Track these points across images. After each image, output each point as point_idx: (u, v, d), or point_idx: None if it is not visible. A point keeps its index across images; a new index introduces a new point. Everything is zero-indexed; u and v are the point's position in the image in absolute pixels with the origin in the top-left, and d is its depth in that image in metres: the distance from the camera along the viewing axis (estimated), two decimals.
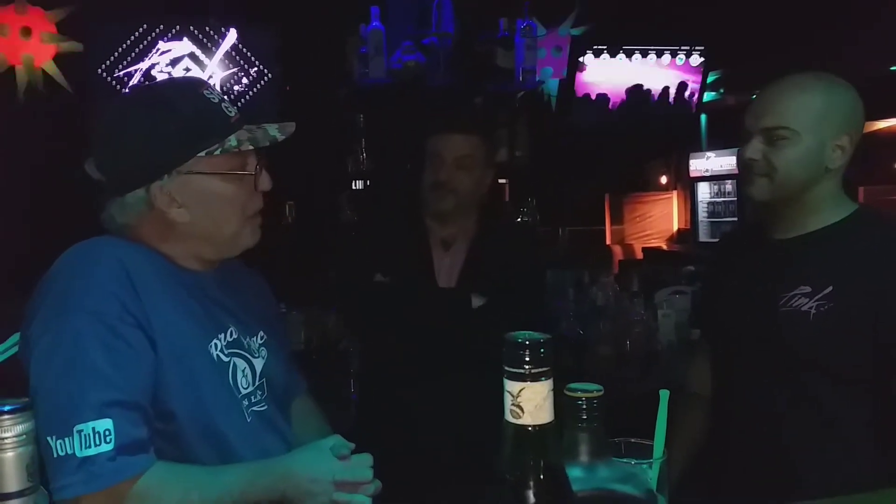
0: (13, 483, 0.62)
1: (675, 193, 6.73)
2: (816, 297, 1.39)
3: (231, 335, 1.28)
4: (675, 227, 6.79)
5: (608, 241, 6.53)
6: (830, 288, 1.38)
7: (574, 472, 0.77)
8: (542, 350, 0.63)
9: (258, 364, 1.32)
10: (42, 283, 1.17)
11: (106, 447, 1.04)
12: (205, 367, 1.22)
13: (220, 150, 1.20)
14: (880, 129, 6.88)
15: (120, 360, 1.10)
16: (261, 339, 1.35)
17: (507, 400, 0.63)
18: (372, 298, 1.97)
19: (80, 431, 1.04)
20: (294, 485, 1.14)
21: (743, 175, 1.51)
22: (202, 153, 1.19)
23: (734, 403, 1.54)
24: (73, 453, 1.04)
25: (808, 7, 3.69)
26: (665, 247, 6.40)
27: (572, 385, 0.79)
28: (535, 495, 0.64)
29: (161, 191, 1.19)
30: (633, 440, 0.94)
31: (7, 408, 0.62)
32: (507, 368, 0.64)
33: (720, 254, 1.78)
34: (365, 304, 1.99)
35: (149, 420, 1.12)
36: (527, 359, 0.63)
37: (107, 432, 1.05)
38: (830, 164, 1.43)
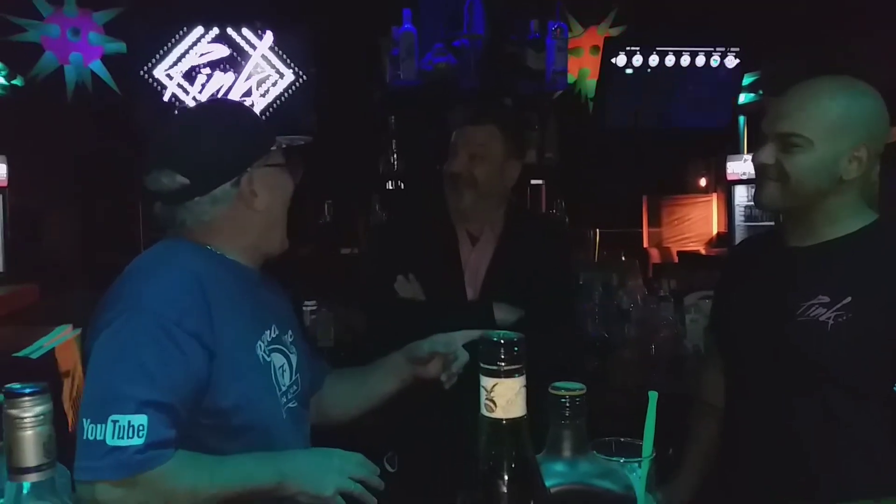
0: (32, 458, 0.69)
1: (714, 196, 6.61)
2: (835, 308, 1.37)
3: (273, 332, 1.36)
4: (715, 231, 6.66)
5: (645, 244, 6.46)
6: (849, 298, 1.36)
7: (556, 467, 0.81)
8: (515, 348, 0.67)
9: (294, 360, 1.40)
10: (117, 279, 1.27)
11: (137, 441, 1.11)
12: (254, 366, 1.30)
13: (285, 143, 1.38)
14: None
15: (168, 362, 1.17)
16: (291, 337, 1.43)
17: (482, 394, 0.67)
18: (399, 299, 1.98)
19: (115, 422, 1.11)
20: (292, 488, 1.22)
21: (756, 179, 1.48)
22: (273, 147, 1.35)
23: (748, 412, 1.52)
24: (104, 440, 1.10)
25: (846, 8, 3.63)
26: (703, 251, 6.29)
27: (557, 383, 0.82)
28: (506, 484, 0.68)
29: (247, 182, 1.31)
30: (623, 439, 0.97)
31: (28, 390, 0.68)
32: (482, 365, 0.68)
33: (735, 260, 1.75)
34: (391, 303, 2.00)
35: (180, 422, 1.19)
36: (501, 356, 0.67)
37: (140, 427, 1.12)
38: (846, 175, 1.39)
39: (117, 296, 1.23)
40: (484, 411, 0.67)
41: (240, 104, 1.48)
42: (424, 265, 1.98)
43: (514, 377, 0.66)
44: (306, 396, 1.45)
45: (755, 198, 1.51)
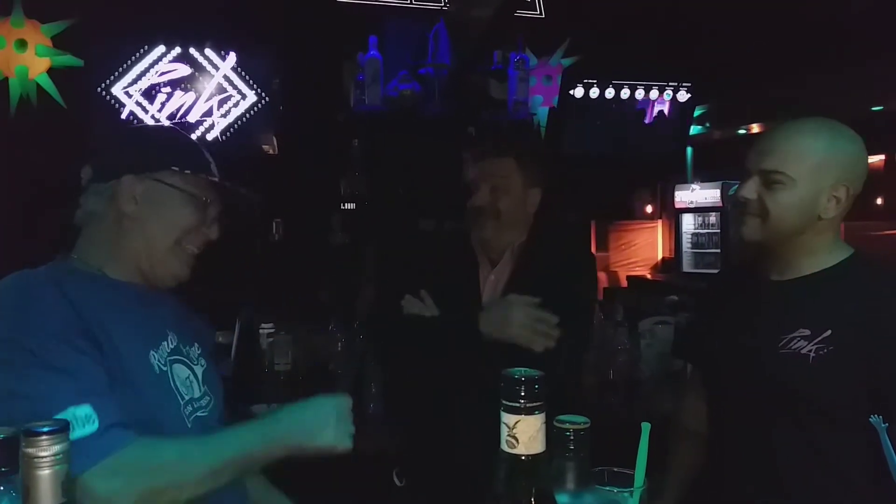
0: (48, 498, 0.67)
1: (659, 222, 6.82)
2: (816, 341, 1.39)
3: (171, 342, 1.34)
4: (660, 256, 6.86)
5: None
6: (829, 332, 1.38)
7: (561, 499, 0.84)
8: (536, 386, 0.70)
9: (199, 371, 1.39)
10: None
11: (91, 427, 1.09)
12: (147, 373, 1.27)
13: (192, 171, 1.35)
14: None
15: (78, 358, 1.15)
16: (198, 350, 1.42)
17: (504, 431, 0.70)
18: (415, 321, 1.94)
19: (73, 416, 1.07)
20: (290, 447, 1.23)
21: (736, 213, 1.51)
22: (176, 168, 1.33)
23: (729, 441, 1.54)
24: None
25: (793, 46, 3.82)
26: (649, 275, 6.47)
27: (561, 417, 0.85)
28: None
29: (129, 184, 1.30)
30: (616, 469, 1.00)
31: (45, 429, 0.67)
32: (504, 402, 0.70)
33: (714, 290, 1.76)
34: (397, 321, 1.98)
35: (123, 406, 1.16)
36: (522, 393, 0.69)
37: (87, 416, 1.09)
38: (824, 213, 1.42)
39: None
40: (505, 447, 0.69)
41: (174, 128, 1.54)
42: (443, 287, 1.96)
43: (535, 413, 0.69)
44: (222, 410, 1.43)
45: (734, 230, 1.55)
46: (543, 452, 0.69)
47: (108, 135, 1.41)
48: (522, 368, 0.70)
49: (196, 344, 1.43)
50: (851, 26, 3.64)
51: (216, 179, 1.40)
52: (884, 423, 0.98)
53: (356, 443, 1.30)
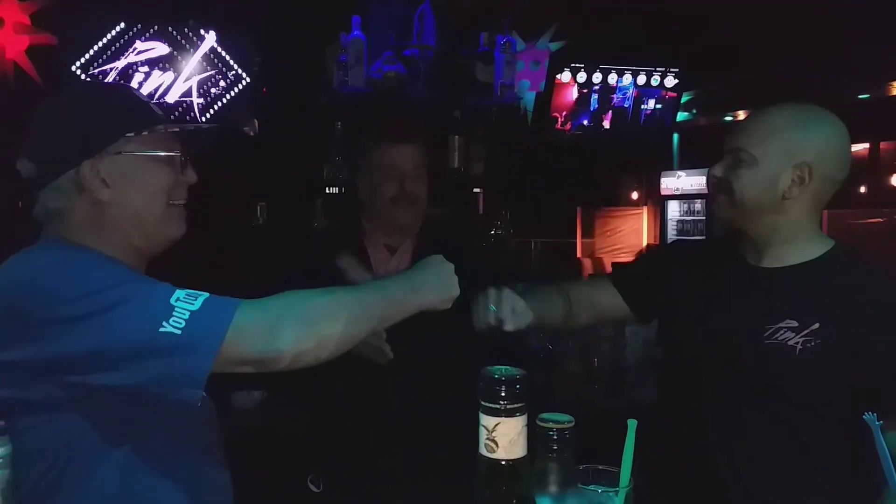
0: None
1: (645, 209, 6.83)
2: (803, 333, 1.39)
3: None
4: (645, 242, 6.87)
5: (578, 254, 6.60)
6: (817, 325, 1.39)
7: (543, 501, 0.80)
8: (517, 386, 0.65)
9: None
10: None
11: (204, 295, 1.09)
12: None
13: (146, 130, 1.27)
14: None
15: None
16: None
17: (482, 434, 0.66)
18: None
19: (177, 299, 1.07)
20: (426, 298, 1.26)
21: (711, 192, 1.56)
22: (130, 133, 1.25)
23: (705, 428, 1.51)
24: (192, 310, 1.06)
25: (780, 34, 3.79)
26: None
27: (544, 415, 0.81)
28: None
29: (91, 169, 1.23)
30: (600, 467, 0.96)
31: None
32: (482, 403, 0.66)
33: (692, 270, 1.69)
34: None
35: None
36: (502, 394, 0.65)
37: (190, 294, 1.09)
38: (787, 193, 1.44)
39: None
40: (484, 452, 0.65)
41: (109, 86, 1.39)
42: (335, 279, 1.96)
43: (517, 416, 0.65)
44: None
45: (712, 211, 1.58)
46: (525, 457, 0.65)
47: (45, 122, 1.28)
48: (503, 367, 0.66)
49: None
50: (838, 14, 3.61)
51: (175, 127, 1.33)
52: (878, 420, 0.95)
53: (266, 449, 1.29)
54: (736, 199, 1.46)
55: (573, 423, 0.80)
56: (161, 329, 1.03)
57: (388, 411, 1.89)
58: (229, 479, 1.39)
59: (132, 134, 1.25)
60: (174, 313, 1.05)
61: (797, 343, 1.39)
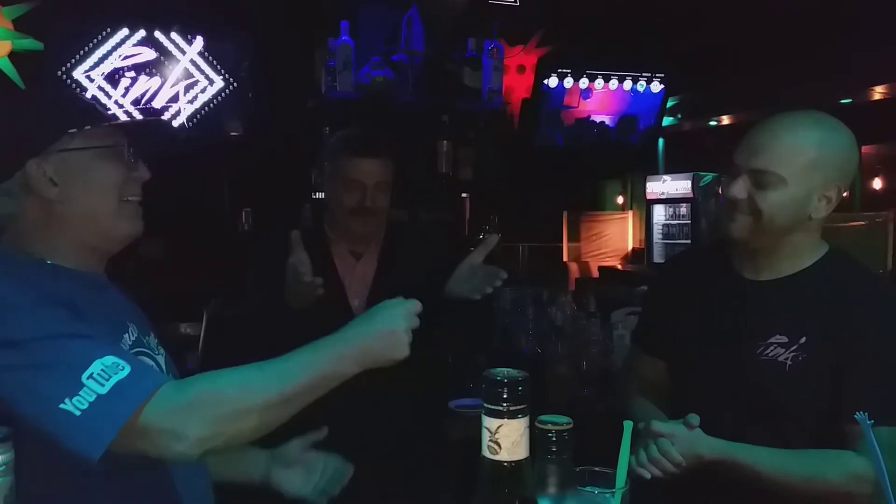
0: None
1: (630, 213, 6.87)
2: (792, 348, 1.39)
3: (132, 334, 1.27)
4: (630, 247, 6.91)
5: (565, 258, 6.63)
6: (804, 339, 1.39)
7: (543, 503, 0.81)
8: (519, 388, 0.66)
9: (162, 362, 1.32)
10: None
11: (123, 372, 1.03)
12: None
13: (89, 125, 1.24)
14: None
15: (78, 324, 1.09)
16: (154, 339, 1.36)
17: (485, 436, 0.66)
18: (280, 317, 1.91)
19: (90, 376, 1.01)
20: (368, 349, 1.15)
21: (726, 211, 1.46)
22: (73, 129, 1.22)
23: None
24: (99, 393, 1.00)
25: (764, 39, 3.83)
26: (620, 266, 6.51)
27: (543, 417, 0.82)
28: None
29: (37, 169, 1.20)
30: (596, 468, 0.97)
31: None
32: (485, 405, 0.66)
33: (677, 279, 1.69)
34: (272, 324, 1.95)
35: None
36: (505, 396, 0.66)
37: (115, 364, 1.03)
38: (815, 213, 1.41)
39: None
40: (487, 453, 0.66)
41: (35, 86, 1.35)
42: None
43: (519, 417, 0.65)
44: None
45: (724, 229, 1.48)
46: (527, 458, 0.66)
47: None
48: (505, 369, 0.67)
49: (151, 333, 1.36)
50: (821, 20, 3.66)
51: (119, 120, 1.32)
52: (869, 419, 0.96)
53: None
54: (763, 221, 1.40)
55: (571, 425, 0.81)
56: (61, 405, 0.99)
57: (358, 426, 1.89)
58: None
59: (75, 130, 1.23)
60: (80, 392, 1.00)
61: (787, 359, 1.39)
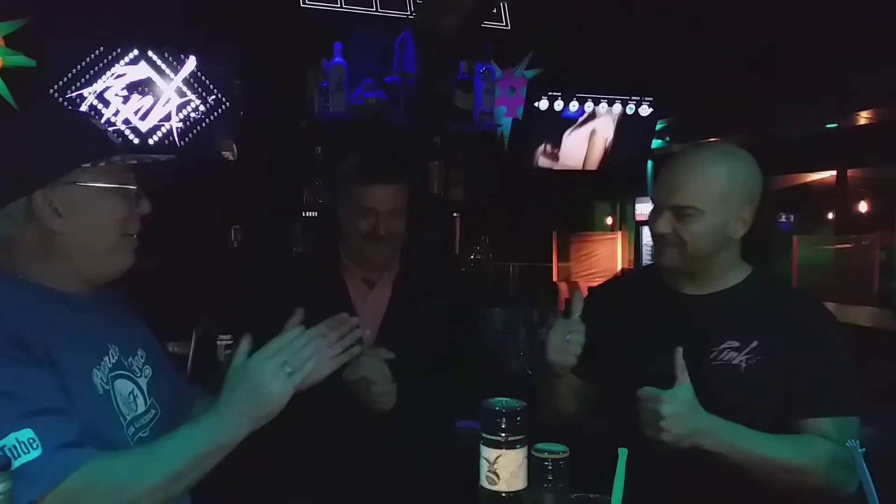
0: None
1: (619, 234, 6.91)
2: (745, 351, 1.51)
3: (113, 356, 1.27)
4: (620, 267, 6.94)
5: (555, 278, 6.65)
6: (756, 343, 1.51)
7: None
8: (518, 418, 0.66)
9: (144, 384, 1.31)
10: None
11: (35, 453, 1.02)
12: (91, 395, 1.20)
13: (103, 161, 1.24)
14: (814, 181, 7.23)
15: (20, 375, 1.08)
16: (142, 358, 1.35)
17: (483, 466, 0.66)
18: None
19: (1, 448, 1.00)
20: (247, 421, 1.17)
21: (656, 244, 1.61)
22: (86, 164, 1.23)
23: (649, 448, 1.49)
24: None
25: (750, 64, 3.89)
26: None
27: (539, 445, 0.82)
28: None
29: (43, 199, 1.20)
30: (591, 496, 0.97)
31: None
32: (483, 435, 0.66)
33: (621, 300, 1.76)
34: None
35: (74, 421, 1.10)
36: (503, 426, 0.66)
37: (31, 441, 1.03)
38: (734, 234, 1.56)
39: None
40: (485, 484, 0.66)
41: (67, 112, 1.34)
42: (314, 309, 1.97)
43: (517, 448, 0.66)
44: (168, 421, 1.33)
45: (657, 260, 1.62)
46: (525, 489, 0.66)
47: None
48: (503, 399, 0.67)
49: (140, 351, 1.34)
50: (807, 45, 3.72)
51: (131, 160, 1.30)
52: (860, 448, 0.97)
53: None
54: (689, 250, 1.54)
55: (568, 454, 0.81)
56: None
57: (368, 430, 1.88)
58: None
59: (88, 164, 1.23)
60: None
61: (741, 361, 1.51)
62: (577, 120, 4.06)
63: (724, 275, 1.61)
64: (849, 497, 1.33)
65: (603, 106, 4.01)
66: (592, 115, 4.06)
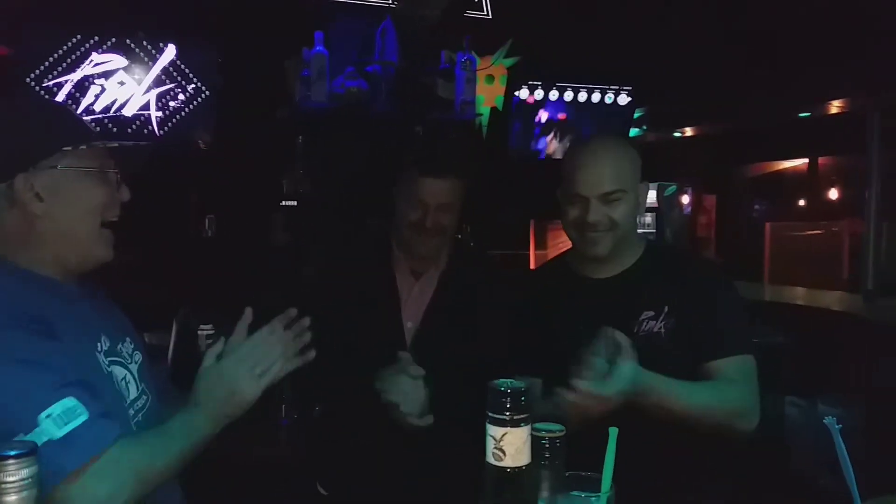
0: None
1: None
2: (661, 318, 1.67)
3: (104, 343, 1.29)
4: None
5: (532, 266, 6.70)
6: (666, 308, 1.67)
7: None
8: (522, 398, 0.70)
9: (134, 369, 1.34)
10: None
11: (82, 418, 1.06)
12: (99, 374, 1.23)
13: (85, 145, 1.27)
14: (786, 169, 7.37)
15: (46, 347, 1.11)
16: (131, 345, 1.38)
17: (490, 444, 0.70)
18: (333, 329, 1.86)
19: (48, 416, 1.03)
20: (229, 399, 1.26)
21: (583, 236, 1.71)
22: (67, 147, 1.25)
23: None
24: (51, 438, 1.03)
25: (725, 54, 3.96)
26: None
27: (537, 425, 0.86)
28: None
29: (25, 183, 1.22)
30: (582, 473, 1.01)
31: (12, 452, 0.63)
32: (490, 414, 0.70)
33: (535, 292, 1.88)
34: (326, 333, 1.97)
35: (98, 395, 1.14)
36: (508, 405, 0.70)
37: (73, 407, 1.06)
38: (640, 212, 1.75)
39: None
40: (492, 460, 0.69)
41: (48, 101, 1.39)
42: (361, 300, 1.99)
43: (522, 426, 0.69)
44: (156, 408, 1.38)
45: (585, 251, 1.73)
46: (529, 464, 0.70)
47: None
48: (508, 380, 0.71)
49: (127, 338, 1.37)
50: (780, 36, 3.79)
51: (112, 144, 1.33)
52: (837, 424, 1.03)
53: (277, 454, 1.32)
54: (619, 231, 1.69)
55: (564, 432, 0.85)
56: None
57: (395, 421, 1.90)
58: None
59: (69, 148, 1.25)
60: (35, 430, 1.03)
61: (661, 328, 1.66)
62: (555, 108, 4.10)
63: (627, 251, 1.76)
64: (820, 466, 1.39)
65: (582, 94, 4.05)
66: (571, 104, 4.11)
